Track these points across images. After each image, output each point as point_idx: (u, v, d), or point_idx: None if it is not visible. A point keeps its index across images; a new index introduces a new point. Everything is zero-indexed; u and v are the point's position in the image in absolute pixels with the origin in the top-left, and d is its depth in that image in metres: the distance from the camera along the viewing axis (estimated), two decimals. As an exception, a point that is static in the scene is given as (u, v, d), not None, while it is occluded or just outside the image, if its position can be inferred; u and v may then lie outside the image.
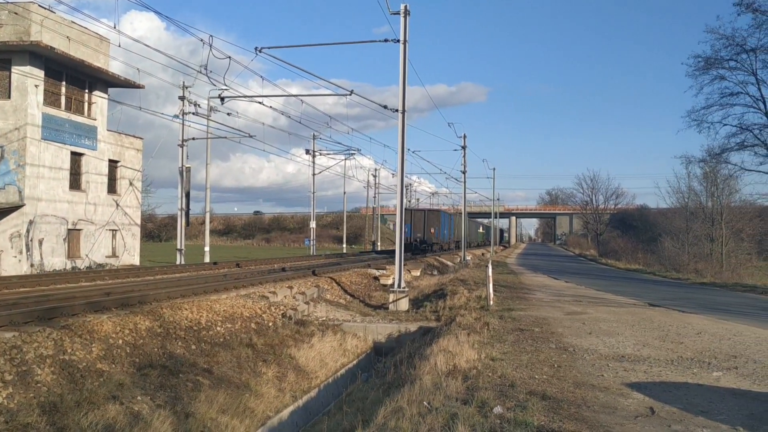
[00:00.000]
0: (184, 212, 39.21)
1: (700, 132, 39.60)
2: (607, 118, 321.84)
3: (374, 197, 79.32)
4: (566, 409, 7.34)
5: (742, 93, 36.98)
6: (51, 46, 29.98)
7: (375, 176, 77.69)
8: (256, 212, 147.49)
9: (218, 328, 14.37)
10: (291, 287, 21.14)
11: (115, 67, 37.83)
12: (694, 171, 57.80)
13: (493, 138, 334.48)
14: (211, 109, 37.35)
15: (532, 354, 10.91)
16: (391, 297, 22.19)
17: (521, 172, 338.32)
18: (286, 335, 16.16)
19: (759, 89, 36.12)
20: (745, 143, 37.24)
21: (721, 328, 14.54)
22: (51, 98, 31.77)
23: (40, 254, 30.73)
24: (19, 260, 29.77)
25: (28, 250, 30.10)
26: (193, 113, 37.68)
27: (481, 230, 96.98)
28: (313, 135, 54.45)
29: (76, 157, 33.61)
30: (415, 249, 53.69)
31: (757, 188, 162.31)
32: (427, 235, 55.16)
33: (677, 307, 19.32)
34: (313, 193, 57.66)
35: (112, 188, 36.67)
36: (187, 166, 38.78)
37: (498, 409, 7.22)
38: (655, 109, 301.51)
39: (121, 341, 11.51)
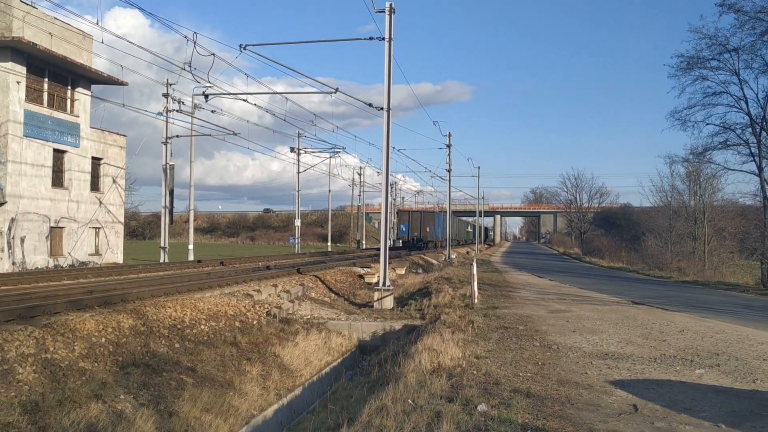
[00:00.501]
0: (168, 210, 38.99)
1: (684, 131, 40.03)
2: (592, 117, 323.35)
3: (359, 195, 79.44)
4: (550, 407, 7.37)
5: (724, 93, 37.37)
6: (33, 43, 29.71)
7: (360, 174, 77.80)
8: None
9: (202, 327, 14.28)
10: (275, 285, 21.09)
11: (99, 64, 37.57)
12: (678, 170, 58.31)
13: (478, 136, 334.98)
14: (195, 106, 37.18)
15: (517, 352, 10.94)
16: (376, 295, 22.19)
17: (506, 170, 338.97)
18: (271, 333, 16.06)
19: (741, 89, 36.50)
20: (728, 142, 37.63)
21: (704, 326, 14.63)
22: (33, 95, 31.49)
23: (22, 252, 30.46)
24: (1, 258, 29.50)
25: (9, 248, 29.83)
26: (177, 111, 37.49)
27: (469, 229, 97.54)
28: (298, 133, 54.56)
29: (58, 154, 33.33)
30: (413, 246, 59.40)
31: (740, 187, 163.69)
32: (423, 233, 60.81)
33: (660, 305, 19.45)
34: (298, 191, 57.61)
35: (95, 186, 36.41)
36: (171, 163, 38.58)
37: (482, 407, 7.24)
38: (640, 108, 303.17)
39: (103, 339, 11.42)
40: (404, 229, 63.78)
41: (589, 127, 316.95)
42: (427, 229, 60.99)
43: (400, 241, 65.26)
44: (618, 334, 13.08)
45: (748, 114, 36.36)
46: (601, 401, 7.71)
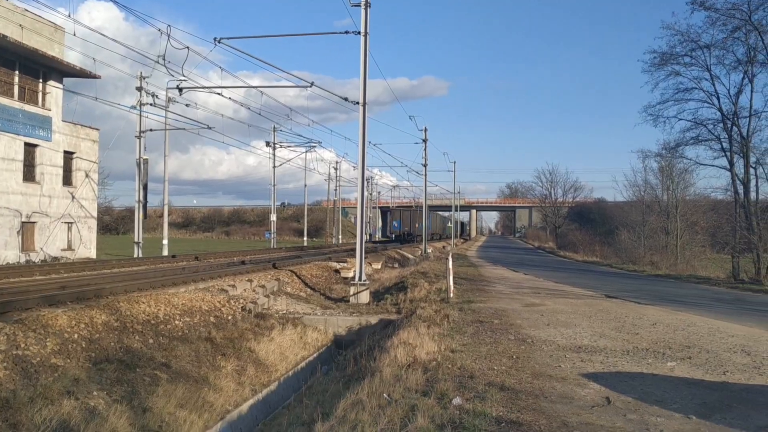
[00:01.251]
0: (141, 204, 38.61)
1: (656, 126, 40.57)
2: (567, 112, 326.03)
3: (335, 190, 79.19)
4: (524, 400, 7.41)
5: (696, 88, 37.72)
6: (3, 35, 29.24)
7: (336, 169, 77.56)
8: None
9: (176, 322, 14.19)
10: (251, 280, 21.03)
11: (72, 57, 37.04)
12: (651, 165, 58.91)
13: (454, 131, 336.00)
14: (169, 100, 36.82)
15: (491, 345, 10.97)
16: (352, 290, 22.16)
17: (482, 165, 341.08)
18: (246, 329, 16.02)
19: (713, 84, 36.88)
20: (700, 138, 37.99)
21: (676, 319, 14.76)
22: (3, 87, 31.00)
23: (-7, 247, 30.00)
24: (-29, 253, 29.04)
25: (-21, 243, 29.37)
26: (151, 104, 37.13)
27: (449, 224, 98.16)
28: (274, 127, 54.32)
29: (29, 148, 32.87)
30: (404, 240, 68.57)
31: (711, 182, 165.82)
32: (412, 228, 68.84)
33: (633, 299, 19.59)
34: (274, 185, 57.32)
35: (67, 180, 35.97)
36: (145, 157, 38.21)
37: (457, 401, 7.27)
38: (616, 104, 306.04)
39: (76, 335, 11.30)
40: (396, 225, 71.96)
41: (564, 123, 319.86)
42: (416, 225, 67.68)
43: (393, 235, 75.00)
44: (591, 328, 13.15)
45: (720, 110, 36.76)
46: (574, 394, 7.77)
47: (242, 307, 17.45)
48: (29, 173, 32.93)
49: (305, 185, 69.02)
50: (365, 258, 25.52)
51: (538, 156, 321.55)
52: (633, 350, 10.71)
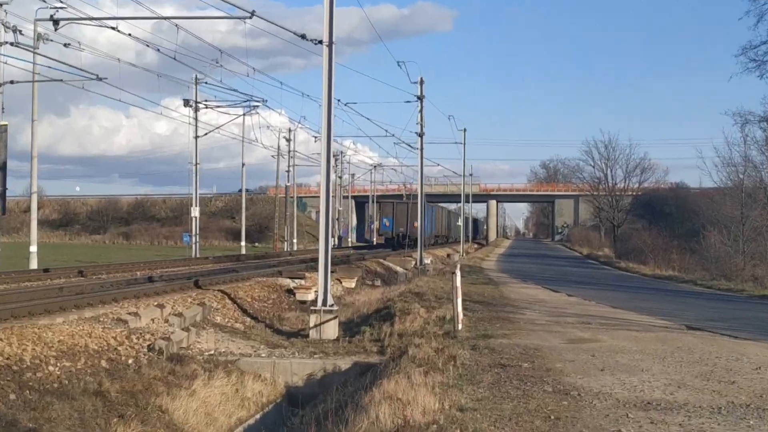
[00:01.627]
0: (-3, 194, 38.35)
1: (762, 77, 39.93)
2: (626, 58, 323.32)
3: (288, 171, 79.02)
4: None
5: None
6: None
7: (289, 140, 77.40)
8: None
9: (51, 368, 14.10)
10: (162, 306, 21.07)
11: None
12: (754, 134, 58.64)
13: (462, 85, 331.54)
14: (39, 37, 36.52)
15: (519, 401, 10.95)
16: (313, 319, 22.08)
17: (504, 135, 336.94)
18: (155, 378, 16.06)
19: None
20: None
21: (791, 362, 14.72)
22: None
23: None
24: None
25: None
26: (13, 44, 36.80)
27: (459, 223, 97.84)
28: (196, 78, 54.17)
29: None
30: (398, 245, 68.73)
31: None
32: (410, 229, 67.65)
33: (727, 332, 19.45)
34: (196, 165, 57.08)
35: None
36: (3, 123, 37.95)
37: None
38: (697, 45, 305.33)
39: None
40: (387, 224, 72.93)
41: (623, 74, 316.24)
42: (415, 224, 64.07)
43: (383, 238, 75.91)
44: (666, 374, 13.12)
45: None
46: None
47: (149, 345, 17.41)
48: None
49: (243, 164, 69.07)
50: (333, 273, 25.89)
51: (587, 122, 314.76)
52: (727, 407, 10.67)
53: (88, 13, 28.73)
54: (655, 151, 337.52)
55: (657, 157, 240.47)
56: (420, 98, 49.09)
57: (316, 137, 61.99)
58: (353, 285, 34.84)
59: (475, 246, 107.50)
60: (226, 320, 23.40)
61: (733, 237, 56.00)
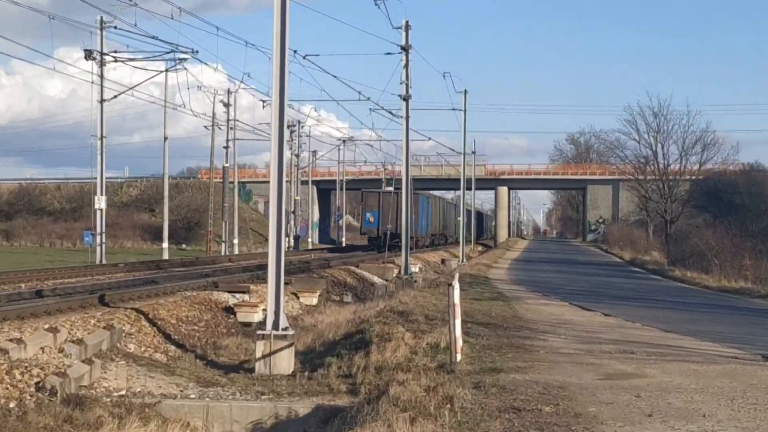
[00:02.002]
0: None
1: None
2: (677, 13, 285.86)
3: (226, 147, 72.86)
4: None
5: None
6: None
7: (228, 105, 71.19)
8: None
9: None
10: (55, 330, 19.37)
11: None
12: None
13: (462, 33, 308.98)
14: None
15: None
16: (260, 348, 20.02)
17: (520, 100, 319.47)
18: (45, 427, 14.89)
19: None
20: None
21: None
22: None
23: None
24: None
25: None
26: None
27: (459, 217, 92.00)
28: (101, 20, 48.84)
29: None
30: (384, 245, 58.93)
31: None
32: (401, 226, 61.11)
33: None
34: (102, 138, 51.64)
35: None
36: None
37: None
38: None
39: None
40: (372, 220, 67.28)
41: (672, 24, 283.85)
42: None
43: (366, 238, 70.48)
44: (737, 421, 12.06)
45: None
46: None
47: (38, 383, 16.39)
48: None
49: (166, 138, 64.16)
50: (287, 285, 26.11)
51: (626, 83, 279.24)
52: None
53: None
54: (722, 121, 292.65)
55: (724, 129, 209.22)
56: (405, 49, 44.23)
57: (264, 101, 57.99)
58: (315, 301, 33.88)
59: (480, 248, 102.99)
60: (143, 349, 22.08)
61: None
